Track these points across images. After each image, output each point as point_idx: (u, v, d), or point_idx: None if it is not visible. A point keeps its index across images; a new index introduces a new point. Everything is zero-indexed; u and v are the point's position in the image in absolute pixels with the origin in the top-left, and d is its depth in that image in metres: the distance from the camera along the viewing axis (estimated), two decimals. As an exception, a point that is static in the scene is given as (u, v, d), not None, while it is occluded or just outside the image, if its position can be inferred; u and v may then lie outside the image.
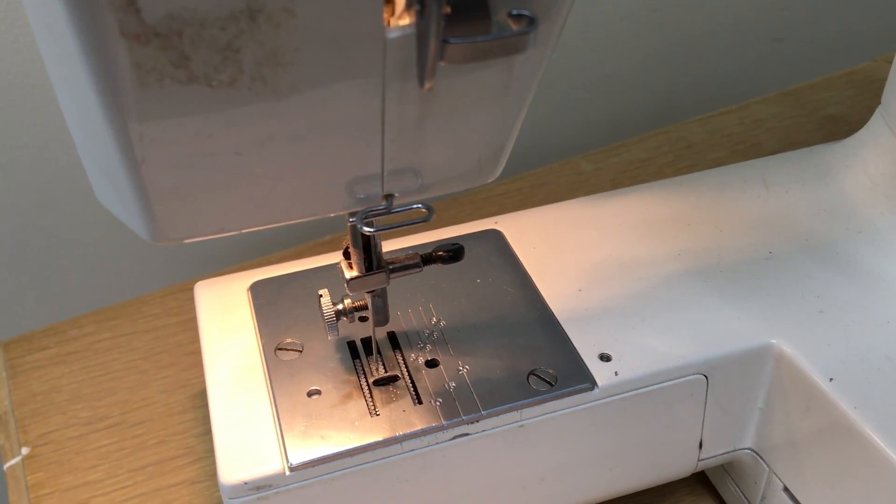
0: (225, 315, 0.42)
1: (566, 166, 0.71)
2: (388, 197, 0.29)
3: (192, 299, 0.60)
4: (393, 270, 0.35)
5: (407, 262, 0.35)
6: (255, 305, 0.42)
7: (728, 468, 0.45)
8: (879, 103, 0.48)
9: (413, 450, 0.36)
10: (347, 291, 0.35)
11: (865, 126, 0.48)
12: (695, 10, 0.77)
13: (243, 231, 0.29)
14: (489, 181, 0.31)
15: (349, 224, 0.31)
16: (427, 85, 0.23)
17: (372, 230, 0.30)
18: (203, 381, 0.54)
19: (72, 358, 0.56)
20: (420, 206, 0.30)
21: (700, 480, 0.48)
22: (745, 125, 0.74)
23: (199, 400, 0.54)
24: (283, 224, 0.29)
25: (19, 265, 0.62)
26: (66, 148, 0.59)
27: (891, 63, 0.47)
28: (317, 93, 0.24)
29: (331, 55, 0.23)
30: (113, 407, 0.53)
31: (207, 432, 0.52)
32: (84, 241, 0.63)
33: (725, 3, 0.77)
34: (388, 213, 0.30)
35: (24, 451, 0.51)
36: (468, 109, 0.27)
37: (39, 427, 0.52)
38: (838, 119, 0.74)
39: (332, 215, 0.30)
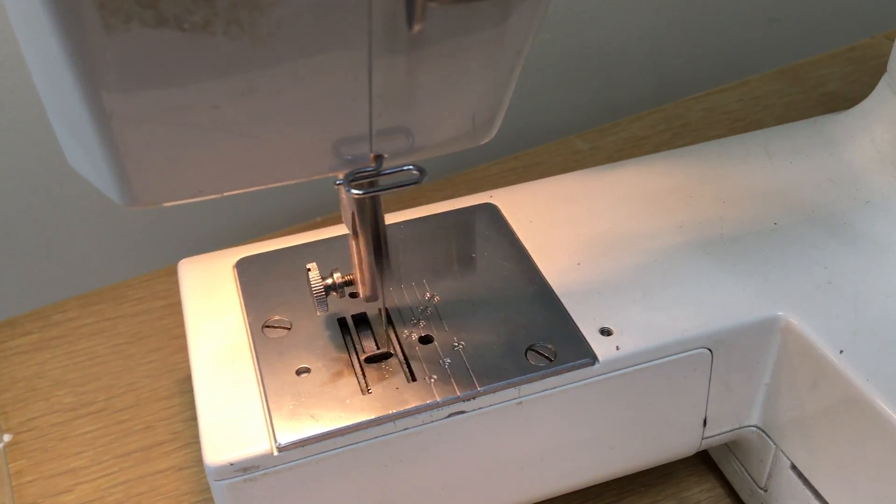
0: (210, 293, 0.41)
1: (561, 146, 0.70)
2: (378, 158, 0.28)
3: (178, 282, 0.59)
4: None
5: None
6: (240, 283, 0.41)
7: (732, 447, 0.44)
8: (878, 80, 0.46)
9: (407, 428, 0.35)
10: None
11: (871, 95, 0.47)
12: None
13: (224, 195, 0.27)
14: (484, 142, 0.30)
15: (335, 186, 0.30)
16: (416, 27, 0.22)
17: (361, 192, 0.28)
18: (190, 366, 0.53)
19: (55, 343, 0.55)
20: (411, 167, 0.29)
21: (703, 460, 0.47)
22: (743, 102, 0.72)
23: (186, 384, 0.52)
24: (265, 187, 0.27)
25: (1, 249, 0.60)
26: (47, 130, 0.57)
27: (891, 40, 0.45)
28: (297, 39, 0.23)
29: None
30: (98, 392, 0.52)
31: (195, 417, 0.50)
32: (67, 225, 0.61)
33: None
34: (378, 175, 0.28)
35: (6, 437, 0.49)
36: (461, 60, 0.25)
37: (22, 413, 0.51)
38: (838, 95, 0.73)
39: (318, 178, 0.28)
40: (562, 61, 0.74)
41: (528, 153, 0.68)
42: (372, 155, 0.28)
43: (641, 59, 0.77)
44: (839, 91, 0.73)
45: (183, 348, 0.54)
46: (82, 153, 0.25)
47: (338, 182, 0.29)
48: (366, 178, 0.28)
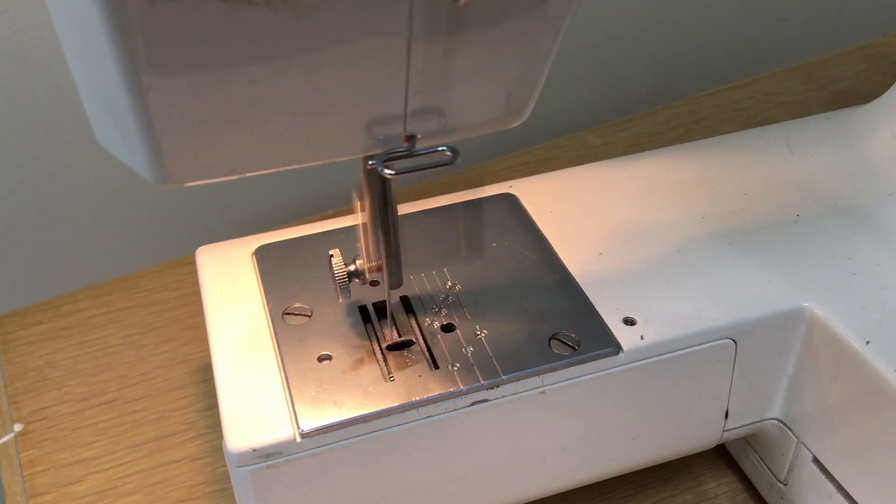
0: (229, 280, 0.40)
1: (573, 141, 0.69)
2: (411, 138, 0.27)
3: (190, 273, 0.58)
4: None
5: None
6: (260, 270, 0.41)
7: (751, 440, 0.44)
8: (891, 78, 0.46)
9: (430, 416, 0.35)
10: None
11: (892, 88, 0.47)
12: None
13: (254, 174, 0.27)
14: (515, 125, 0.29)
15: (369, 167, 0.29)
16: (462, 0, 0.21)
17: (393, 173, 0.28)
18: (204, 357, 0.53)
19: (66, 333, 0.54)
20: (444, 148, 0.28)
21: (720, 454, 0.47)
22: (755, 99, 0.72)
23: (200, 375, 0.52)
24: (298, 167, 0.27)
25: (12, 240, 0.60)
26: (58, 119, 0.57)
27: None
28: (338, 13, 0.22)
29: (356, -32, 0.21)
30: (110, 382, 0.51)
31: (208, 408, 0.50)
32: (77, 216, 0.61)
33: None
34: (411, 155, 0.28)
35: (17, 427, 0.49)
36: (500, 40, 0.25)
37: (33, 403, 0.50)
38: (850, 93, 0.72)
39: (350, 158, 0.28)
40: (571, 57, 0.73)
41: (541, 148, 0.68)
42: (404, 135, 0.27)
43: (650, 56, 0.77)
44: (851, 89, 0.73)
45: (195, 339, 0.54)
46: (115, 130, 0.25)
47: (371, 163, 0.28)
48: (399, 158, 0.28)
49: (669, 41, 0.77)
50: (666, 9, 0.75)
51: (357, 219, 0.43)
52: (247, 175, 0.27)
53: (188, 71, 0.23)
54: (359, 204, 0.33)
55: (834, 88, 0.73)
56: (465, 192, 0.45)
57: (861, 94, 0.72)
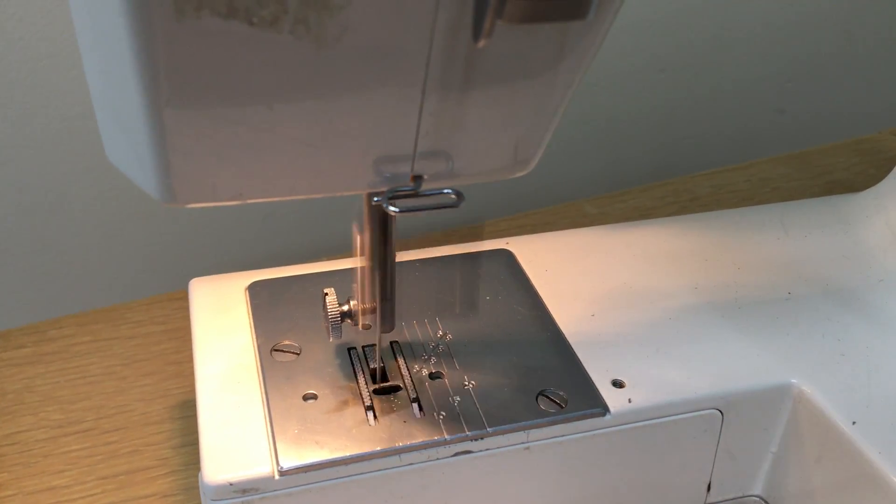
0: (220, 313, 0.40)
1: (570, 208, 0.70)
2: (417, 178, 0.28)
3: (178, 309, 0.58)
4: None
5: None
6: (252, 305, 0.40)
7: (731, 517, 0.43)
8: (884, 172, 0.47)
9: (412, 464, 0.34)
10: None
11: (887, 177, 0.48)
12: (700, 75, 0.77)
13: (261, 200, 0.27)
14: (521, 174, 0.30)
15: (374, 204, 0.29)
16: (481, 42, 0.22)
17: (397, 210, 0.28)
18: (185, 393, 0.52)
19: (48, 358, 0.54)
20: (449, 191, 0.29)
21: (700, 530, 0.46)
22: (751, 183, 0.73)
23: (178, 411, 0.51)
24: (303, 197, 0.27)
25: (3, 261, 0.60)
26: (63, 148, 0.57)
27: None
28: (359, 47, 0.23)
29: (381, 4, 0.22)
30: (87, 411, 0.50)
31: (184, 444, 0.49)
32: (69, 244, 0.61)
33: (729, 71, 0.78)
34: (416, 195, 0.28)
35: (-11, 449, 0.48)
36: (514, 84, 0.26)
37: (7, 426, 0.49)
38: (844, 184, 0.74)
39: (356, 192, 0.28)
40: (571, 130, 0.75)
41: (538, 213, 0.69)
42: (412, 175, 0.28)
43: (650, 135, 0.79)
44: (845, 180, 0.74)
45: (178, 374, 0.53)
46: (126, 146, 0.25)
47: (376, 199, 0.29)
48: (404, 197, 0.28)
49: (669, 123, 0.79)
50: (667, 93, 0.77)
51: (355, 261, 0.43)
52: (251, 201, 0.27)
53: (207, 91, 0.23)
54: (359, 243, 0.33)
55: (828, 178, 0.74)
56: (462, 244, 0.45)
57: (854, 185, 0.73)
